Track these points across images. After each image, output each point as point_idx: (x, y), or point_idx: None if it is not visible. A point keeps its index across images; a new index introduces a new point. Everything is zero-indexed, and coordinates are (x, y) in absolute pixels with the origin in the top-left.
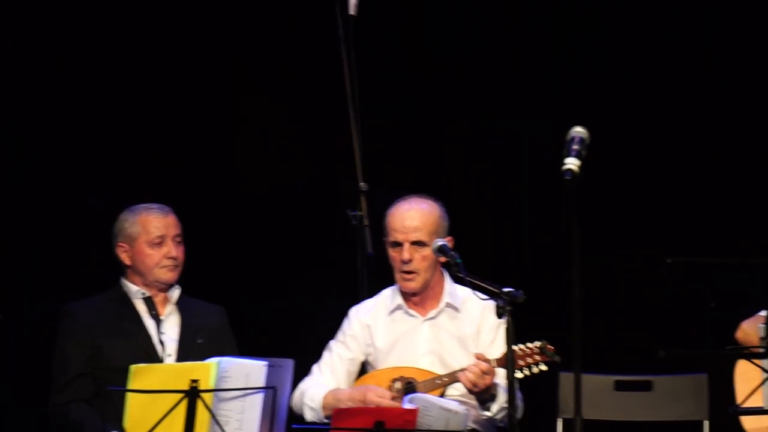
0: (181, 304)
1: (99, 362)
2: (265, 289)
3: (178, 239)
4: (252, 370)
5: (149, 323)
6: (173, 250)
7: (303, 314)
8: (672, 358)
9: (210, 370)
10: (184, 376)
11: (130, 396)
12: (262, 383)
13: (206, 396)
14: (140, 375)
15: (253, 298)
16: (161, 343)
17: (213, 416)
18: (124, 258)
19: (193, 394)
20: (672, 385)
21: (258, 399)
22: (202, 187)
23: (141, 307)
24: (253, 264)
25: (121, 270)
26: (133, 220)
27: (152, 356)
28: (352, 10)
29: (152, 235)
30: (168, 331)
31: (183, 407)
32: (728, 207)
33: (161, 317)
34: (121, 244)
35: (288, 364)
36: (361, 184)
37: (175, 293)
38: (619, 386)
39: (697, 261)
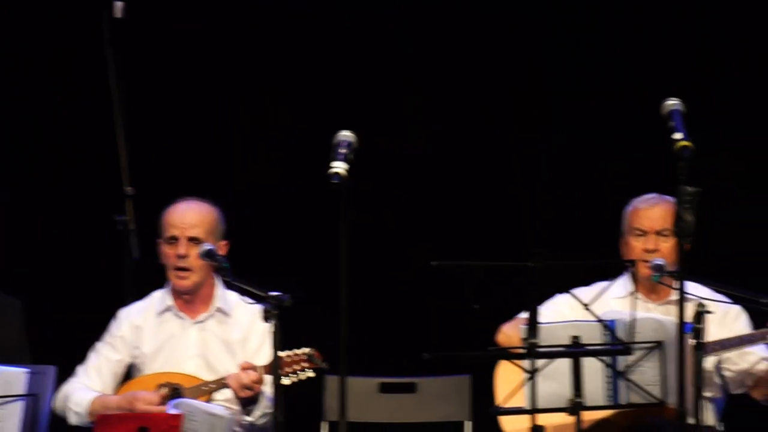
0: None
1: None
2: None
3: None
4: (12, 378)
5: None
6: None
7: (66, 316)
8: (436, 360)
9: None
10: None
11: None
12: (22, 391)
13: None
14: None
15: None
16: None
17: None
18: None
19: None
20: (436, 386)
21: (18, 407)
22: None
23: None
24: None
25: None
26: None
27: None
28: (118, 14)
29: None
30: None
31: None
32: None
33: None
34: None
35: (50, 371)
36: (127, 188)
37: None
38: (384, 388)
39: (460, 265)
